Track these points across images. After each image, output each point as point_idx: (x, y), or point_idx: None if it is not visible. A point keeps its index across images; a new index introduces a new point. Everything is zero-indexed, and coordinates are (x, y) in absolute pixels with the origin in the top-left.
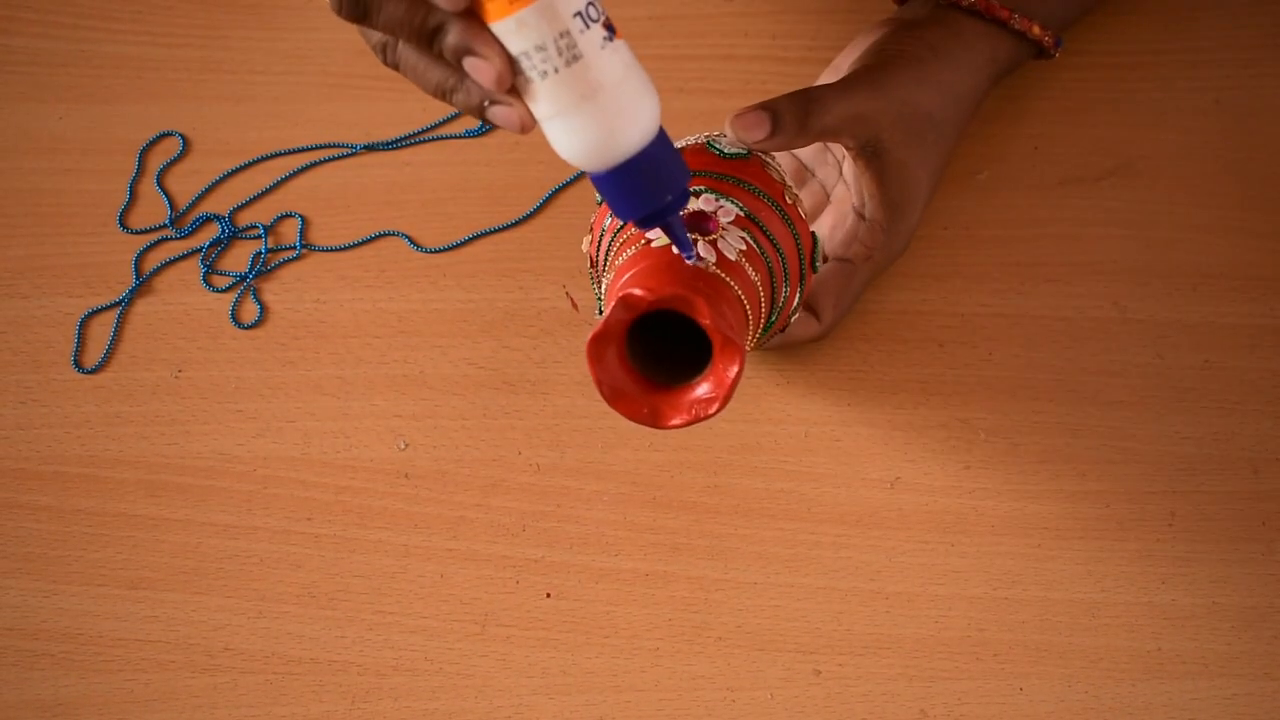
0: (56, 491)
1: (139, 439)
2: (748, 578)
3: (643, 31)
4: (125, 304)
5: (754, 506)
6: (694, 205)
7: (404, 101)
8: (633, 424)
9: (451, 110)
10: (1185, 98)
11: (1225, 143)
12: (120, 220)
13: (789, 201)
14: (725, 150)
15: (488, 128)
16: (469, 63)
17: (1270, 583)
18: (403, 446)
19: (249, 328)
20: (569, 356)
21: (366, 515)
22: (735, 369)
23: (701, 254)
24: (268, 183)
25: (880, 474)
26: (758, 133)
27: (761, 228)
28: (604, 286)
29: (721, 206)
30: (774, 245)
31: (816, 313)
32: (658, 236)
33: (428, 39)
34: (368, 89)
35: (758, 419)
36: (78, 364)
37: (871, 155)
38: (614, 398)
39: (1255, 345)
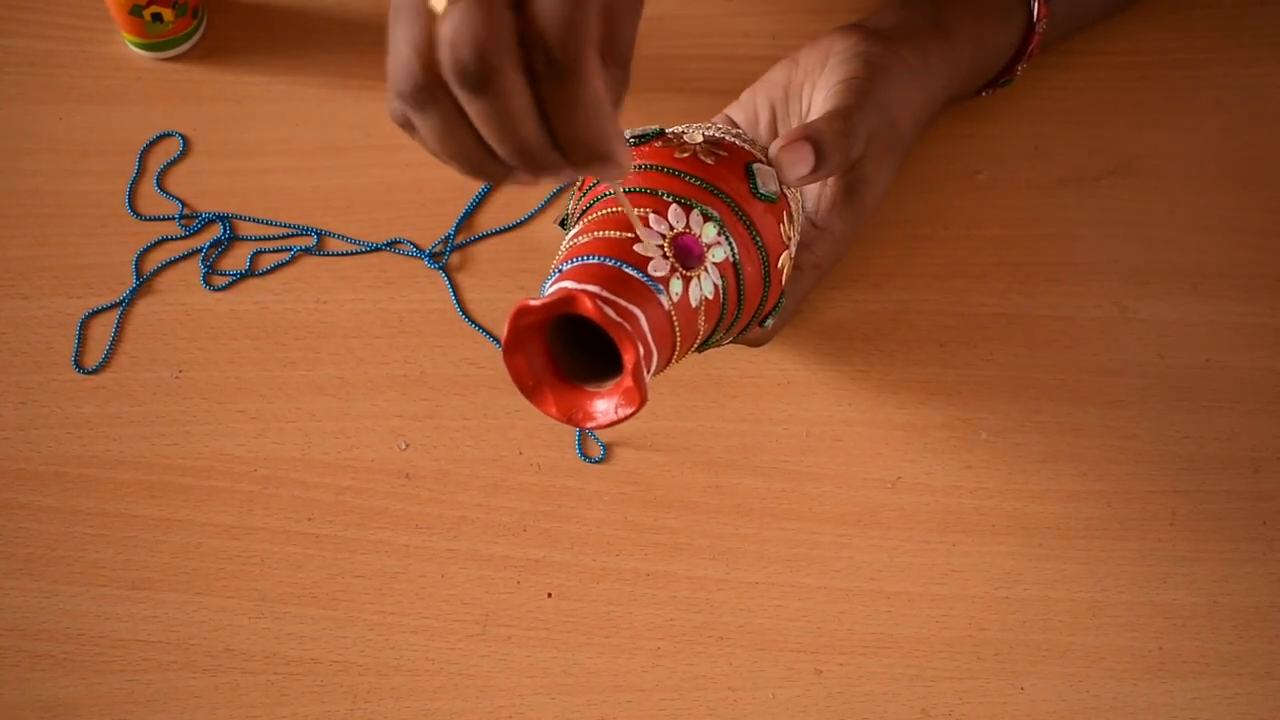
0: (57, 492)
1: (139, 439)
2: (749, 577)
3: (643, 31)
4: (126, 304)
5: (755, 506)
6: (689, 226)
7: None
8: (633, 422)
9: None
10: (1185, 97)
11: (1226, 142)
12: (125, 213)
13: (760, 213)
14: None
15: None
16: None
17: (1271, 582)
18: (403, 447)
19: (249, 328)
20: None
21: (367, 515)
22: (636, 398)
23: (672, 292)
24: (268, 183)
25: (882, 474)
26: (803, 168)
27: (738, 271)
28: (564, 243)
29: (717, 244)
30: (739, 291)
31: None
32: (604, 229)
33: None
34: (367, 89)
35: (759, 419)
36: (78, 364)
37: (851, 172)
38: (533, 395)
39: (1256, 344)
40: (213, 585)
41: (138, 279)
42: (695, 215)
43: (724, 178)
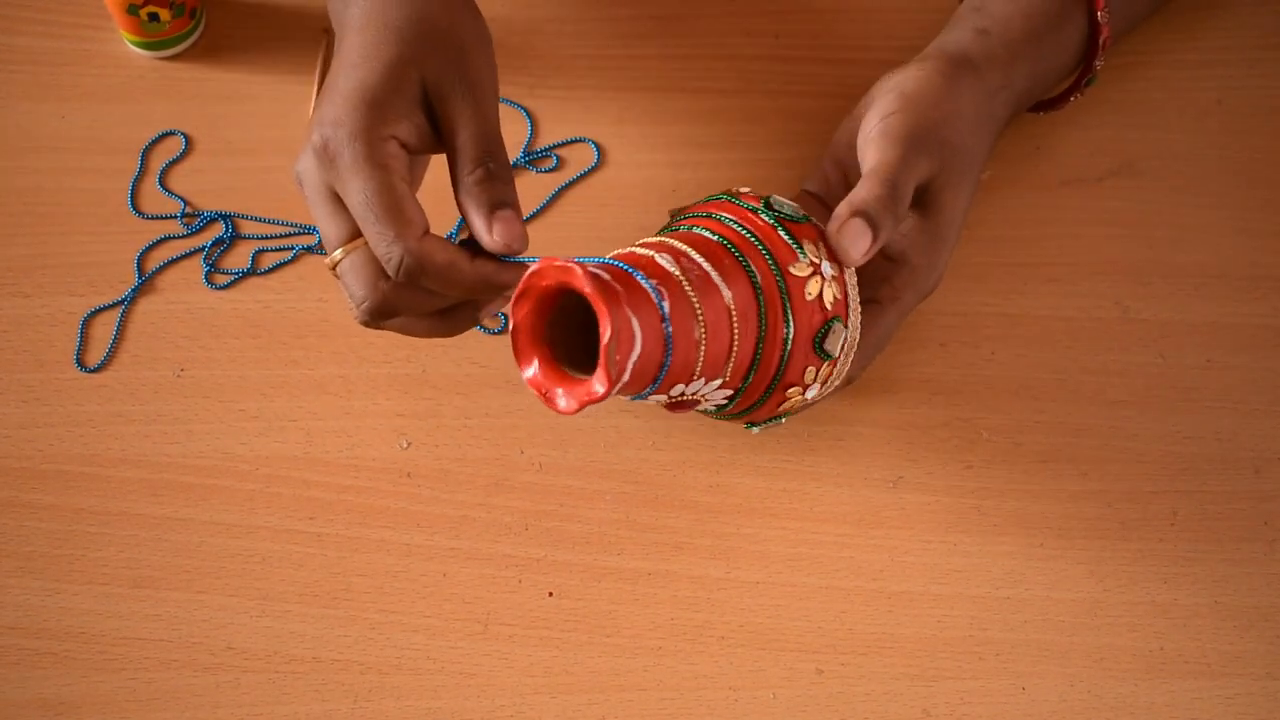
0: (59, 490)
1: (141, 438)
2: (750, 577)
3: (643, 31)
4: (128, 303)
5: (756, 506)
6: (700, 394)
7: None
8: (636, 423)
9: None
10: (1187, 97)
11: (1227, 142)
12: (127, 212)
13: (801, 290)
14: (788, 213)
15: None
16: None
17: (1272, 582)
18: (405, 445)
19: (251, 327)
20: None
21: (369, 514)
22: (594, 391)
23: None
24: (270, 182)
25: (883, 473)
26: (864, 243)
27: (729, 401)
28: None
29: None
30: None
31: None
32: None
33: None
34: None
35: None
36: (80, 363)
37: (917, 202)
38: (522, 356)
39: (1257, 345)
40: (214, 583)
41: (140, 277)
42: (713, 386)
43: (797, 356)
